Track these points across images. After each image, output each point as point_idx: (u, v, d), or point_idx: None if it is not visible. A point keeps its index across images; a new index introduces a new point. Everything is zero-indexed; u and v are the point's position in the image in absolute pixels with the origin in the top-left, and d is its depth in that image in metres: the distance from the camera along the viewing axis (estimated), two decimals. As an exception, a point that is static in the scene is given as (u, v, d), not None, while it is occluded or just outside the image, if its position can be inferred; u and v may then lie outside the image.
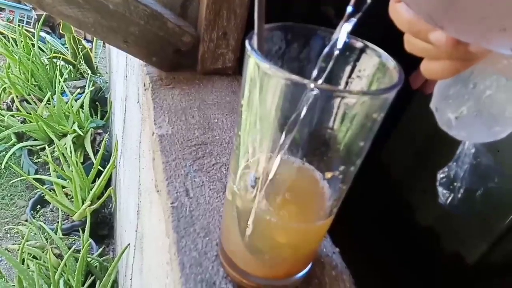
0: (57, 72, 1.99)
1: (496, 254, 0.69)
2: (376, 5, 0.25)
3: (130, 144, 0.98)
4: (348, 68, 0.28)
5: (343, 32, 0.26)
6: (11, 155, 1.76)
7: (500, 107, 0.28)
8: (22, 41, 2.06)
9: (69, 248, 1.20)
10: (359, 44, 0.28)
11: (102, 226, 1.56)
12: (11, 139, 1.88)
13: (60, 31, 2.52)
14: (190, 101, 0.58)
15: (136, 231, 0.79)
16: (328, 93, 0.23)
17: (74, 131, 1.69)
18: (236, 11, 0.60)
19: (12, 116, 1.86)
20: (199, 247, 0.37)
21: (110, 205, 1.63)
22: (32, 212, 1.57)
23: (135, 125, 0.84)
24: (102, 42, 2.36)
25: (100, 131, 1.81)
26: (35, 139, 1.84)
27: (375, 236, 0.92)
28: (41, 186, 1.43)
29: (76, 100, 1.84)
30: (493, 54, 0.24)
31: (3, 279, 1.29)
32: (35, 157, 1.82)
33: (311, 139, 0.26)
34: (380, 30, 0.42)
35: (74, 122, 1.73)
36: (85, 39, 2.69)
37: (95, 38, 2.32)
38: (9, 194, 1.80)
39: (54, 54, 2.20)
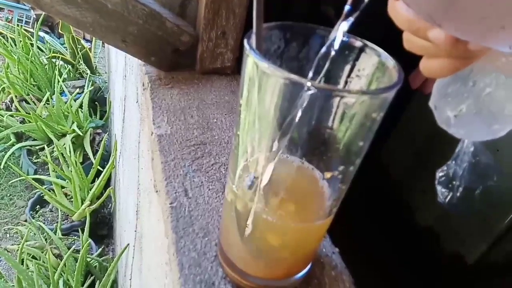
0: (56, 72, 1.99)
1: (495, 253, 0.69)
2: (375, 4, 0.25)
3: (129, 144, 0.97)
4: (347, 68, 0.28)
5: (340, 31, 0.26)
6: (10, 155, 1.76)
7: (499, 105, 0.28)
8: (21, 41, 2.06)
9: (69, 248, 1.20)
10: (358, 43, 0.27)
11: (102, 226, 1.55)
12: (10, 139, 1.87)
13: (59, 30, 2.51)
14: (189, 101, 0.58)
15: (135, 231, 0.79)
16: (327, 92, 0.22)
17: (73, 131, 1.69)
18: (235, 10, 0.60)
19: (11, 116, 1.86)
20: (198, 248, 0.37)
21: (110, 205, 1.63)
22: (31, 212, 1.57)
23: (134, 125, 0.84)
24: (101, 41, 2.36)
25: (99, 131, 1.81)
26: (34, 139, 1.84)
27: (375, 236, 0.92)
28: (41, 186, 1.43)
29: (75, 100, 1.84)
30: (492, 52, 0.24)
31: (3, 279, 1.29)
32: (34, 157, 1.82)
33: (310, 138, 0.26)
34: (379, 29, 0.42)
35: (73, 122, 1.73)
36: (84, 38, 2.68)
37: (94, 37, 2.32)
38: (8, 194, 1.79)
39: (53, 54, 2.19)
